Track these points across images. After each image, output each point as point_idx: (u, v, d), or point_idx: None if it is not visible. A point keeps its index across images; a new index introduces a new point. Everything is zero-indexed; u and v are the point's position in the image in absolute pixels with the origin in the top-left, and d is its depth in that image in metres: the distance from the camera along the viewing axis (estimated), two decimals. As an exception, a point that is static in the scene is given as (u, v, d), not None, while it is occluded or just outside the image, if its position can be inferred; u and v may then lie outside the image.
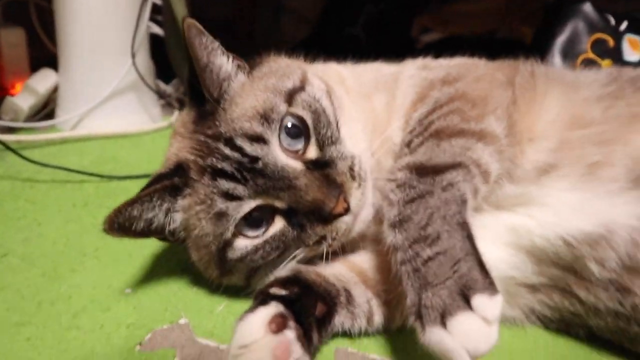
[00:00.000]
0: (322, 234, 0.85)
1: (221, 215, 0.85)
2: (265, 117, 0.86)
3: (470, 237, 0.73)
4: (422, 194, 0.77)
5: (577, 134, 0.89)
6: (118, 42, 2.04)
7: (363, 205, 0.88)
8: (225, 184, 0.84)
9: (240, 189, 0.84)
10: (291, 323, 0.73)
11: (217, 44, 0.92)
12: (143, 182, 0.98)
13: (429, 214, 0.75)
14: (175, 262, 1.10)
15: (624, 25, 1.72)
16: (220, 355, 0.84)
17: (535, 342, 0.93)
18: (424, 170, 0.80)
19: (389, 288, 0.90)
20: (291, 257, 0.88)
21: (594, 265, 0.82)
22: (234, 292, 0.97)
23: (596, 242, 0.81)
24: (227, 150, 0.84)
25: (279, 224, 0.87)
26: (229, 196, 0.84)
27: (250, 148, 0.84)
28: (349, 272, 0.92)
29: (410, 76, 1.02)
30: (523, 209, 0.88)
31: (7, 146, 1.61)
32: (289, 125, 0.87)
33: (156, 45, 2.27)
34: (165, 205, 0.90)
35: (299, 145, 0.88)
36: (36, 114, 2.15)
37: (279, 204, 0.85)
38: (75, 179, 1.57)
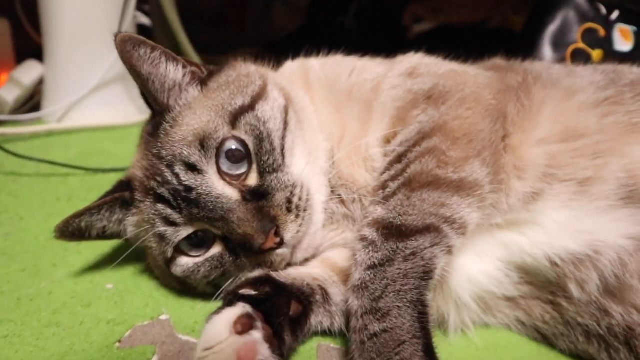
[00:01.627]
0: (256, 263, 0.85)
1: (162, 237, 0.86)
2: (203, 144, 0.83)
3: (422, 319, 0.69)
4: (383, 261, 0.73)
5: (570, 147, 0.84)
6: (104, 32, 1.97)
7: (303, 236, 0.86)
8: (163, 210, 0.85)
9: (176, 217, 0.84)
10: (258, 324, 0.72)
11: (159, 52, 0.88)
12: (128, 175, 0.96)
13: (384, 286, 0.71)
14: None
15: (615, 15, 1.70)
16: (200, 352, 0.83)
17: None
18: (390, 231, 0.75)
19: None
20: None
21: (574, 287, 0.81)
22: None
23: (581, 262, 0.79)
24: (167, 175, 0.84)
25: (217, 248, 0.87)
26: (168, 221, 0.85)
27: (185, 177, 0.83)
28: (329, 271, 0.91)
29: (393, 86, 0.95)
30: (516, 227, 0.85)
31: (-11, 139, 1.59)
32: (232, 148, 0.84)
33: (143, 36, 2.24)
34: (115, 217, 0.94)
35: (242, 169, 0.85)
36: (21, 106, 2.12)
37: (215, 231, 0.85)
38: (60, 173, 1.55)
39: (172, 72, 0.90)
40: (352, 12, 2.76)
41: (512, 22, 2.34)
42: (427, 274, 0.72)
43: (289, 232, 0.83)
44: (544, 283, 0.85)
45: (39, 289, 0.98)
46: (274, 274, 0.85)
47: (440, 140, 0.82)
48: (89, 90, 1.99)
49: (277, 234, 0.82)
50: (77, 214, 0.90)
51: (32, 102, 2.16)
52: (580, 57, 1.61)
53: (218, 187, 0.83)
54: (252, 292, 0.79)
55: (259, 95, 0.90)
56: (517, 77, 0.96)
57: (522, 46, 1.61)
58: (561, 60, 1.61)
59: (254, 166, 0.85)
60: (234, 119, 0.86)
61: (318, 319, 0.85)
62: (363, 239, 0.77)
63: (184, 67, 0.91)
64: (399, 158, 0.84)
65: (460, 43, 1.23)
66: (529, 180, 0.83)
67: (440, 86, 0.91)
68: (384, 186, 0.82)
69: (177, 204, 0.84)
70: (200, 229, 0.86)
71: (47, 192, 1.42)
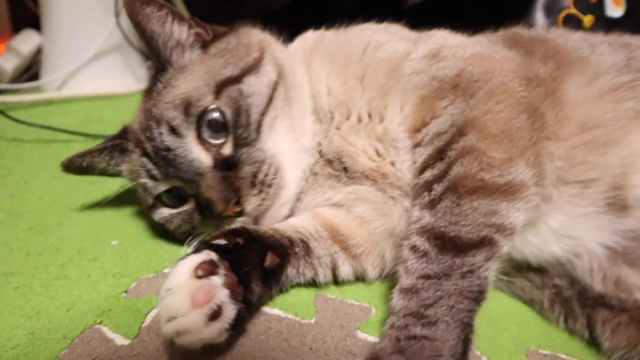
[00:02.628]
0: (219, 225, 0.89)
1: (145, 188, 0.95)
2: (186, 109, 0.88)
3: (466, 343, 0.68)
4: (439, 275, 0.72)
5: (585, 138, 0.82)
6: (101, 1, 2.01)
7: (266, 209, 0.90)
8: (147, 164, 0.92)
9: (155, 172, 0.91)
10: (221, 270, 0.73)
11: (166, 10, 0.92)
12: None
13: (437, 297, 0.70)
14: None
15: (607, -19, 1.70)
16: (203, 301, 0.87)
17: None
18: (444, 242, 0.74)
19: (358, 242, 0.92)
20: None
21: (558, 279, 0.87)
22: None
23: (564, 265, 0.85)
24: (154, 132, 0.90)
25: (189, 205, 0.94)
26: (150, 174, 0.92)
27: (167, 137, 0.89)
28: (319, 226, 0.93)
29: (417, 72, 0.89)
30: None
31: (-9, 106, 1.61)
32: (214, 116, 0.88)
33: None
34: (114, 161, 1.04)
35: (220, 138, 0.89)
36: (20, 75, 2.14)
37: (188, 190, 0.91)
38: (62, 139, 1.58)
39: (177, 32, 0.94)
40: (348, -18, 2.75)
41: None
42: (481, 294, 0.72)
43: (250, 204, 0.88)
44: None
45: (47, 245, 1.02)
46: (251, 226, 0.87)
47: (476, 139, 0.78)
48: (87, 60, 2.00)
49: (238, 203, 0.87)
50: (80, 154, 1.03)
51: (30, 71, 2.17)
52: (572, 23, 1.63)
53: (194, 151, 0.88)
54: (222, 242, 0.80)
55: (251, 68, 0.92)
56: (543, 66, 0.90)
57: (515, 12, 1.61)
58: (553, 26, 1.61)
59: (230, 137, 0.89)
60: (219, 89, 0.89)
61: (299, 270, 0.88)
62: (414, 248, 0.76)
63: (190, 27, 0.95)
64: (438, 153, 0.81)
65: (457, 12, 1.24)
66: (547, 187, 0.81)
67: (467, 73, 0.86)
68: (429, 188, 0.79)
69: (157, 161, 0.90)
70: (175, 185, 0.92)
71: (49, 157, 1.45)
